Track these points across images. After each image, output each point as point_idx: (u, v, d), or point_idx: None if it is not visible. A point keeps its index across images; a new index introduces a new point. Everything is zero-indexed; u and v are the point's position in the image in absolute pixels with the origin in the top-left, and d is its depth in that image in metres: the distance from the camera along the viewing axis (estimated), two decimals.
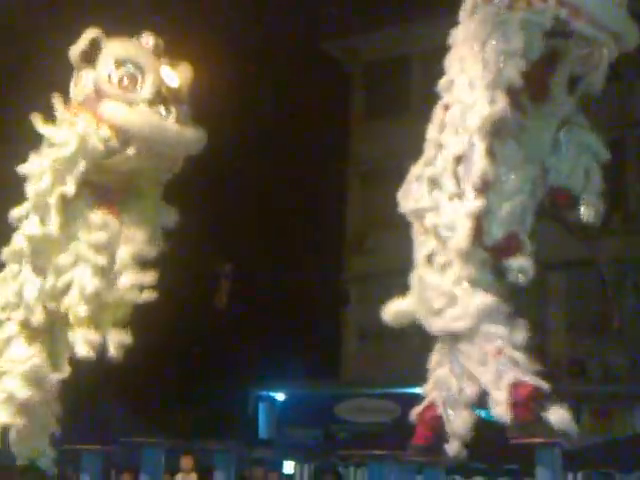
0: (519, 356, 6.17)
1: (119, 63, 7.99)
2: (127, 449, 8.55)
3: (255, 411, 24.22)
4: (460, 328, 6.35)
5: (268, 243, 23.53)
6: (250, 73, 22.86)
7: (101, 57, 8.02)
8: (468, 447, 6.49)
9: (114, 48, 8.07)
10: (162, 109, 7.97)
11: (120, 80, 7.95)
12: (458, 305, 6.40)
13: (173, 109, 8.02)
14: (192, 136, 8.09)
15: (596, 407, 21.33)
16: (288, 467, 18.09)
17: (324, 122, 23.89)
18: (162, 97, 7.98)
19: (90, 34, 8.05)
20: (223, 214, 21.65)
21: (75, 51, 8.09)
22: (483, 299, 6.36)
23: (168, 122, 7.97)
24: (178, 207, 8.46)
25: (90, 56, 8.04)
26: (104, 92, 7.97)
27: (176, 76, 8.07)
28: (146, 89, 7.92)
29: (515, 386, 6.06)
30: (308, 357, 23.35)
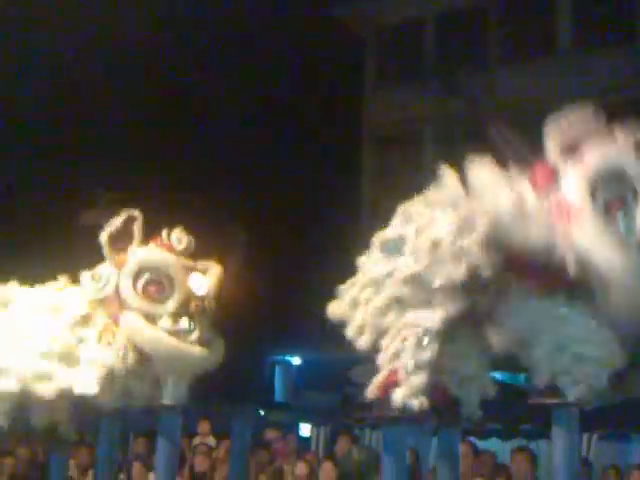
0: (420, 349, 5.94)
1: (145, 270, 7.33)
2: (144, 413, 8.60)
3: (271, 375, 24.39)
4: (361, 346, 6.36)
5: (283, 209, 23.58)
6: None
7: (129, 260, 7.36)
8: (484, 408, 6.53)
9: (141, 252, 7.39)
10: (186, 323, 7.31)
11: (145, 289, 7.31)
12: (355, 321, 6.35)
13: (198, 323, 7.36)
14: (210, 359, 7.44)
15: None
16: (304, 430, 18.25)
17: (338, 88, 23.85)
18: (188, 310, 7.32)
19: (126, 216, 7.41)
20: (238, 185, 21.69)
21: (106, 234, 7.40)
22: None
23: (189, 343, 7.31)
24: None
25: (120, 241, 7.42)
26: (126, 300, 7.32)
27: (205, 283, 7.39)
28: (172, 303, 7.29)
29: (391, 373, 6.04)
30: (324, 321, 23.43)
